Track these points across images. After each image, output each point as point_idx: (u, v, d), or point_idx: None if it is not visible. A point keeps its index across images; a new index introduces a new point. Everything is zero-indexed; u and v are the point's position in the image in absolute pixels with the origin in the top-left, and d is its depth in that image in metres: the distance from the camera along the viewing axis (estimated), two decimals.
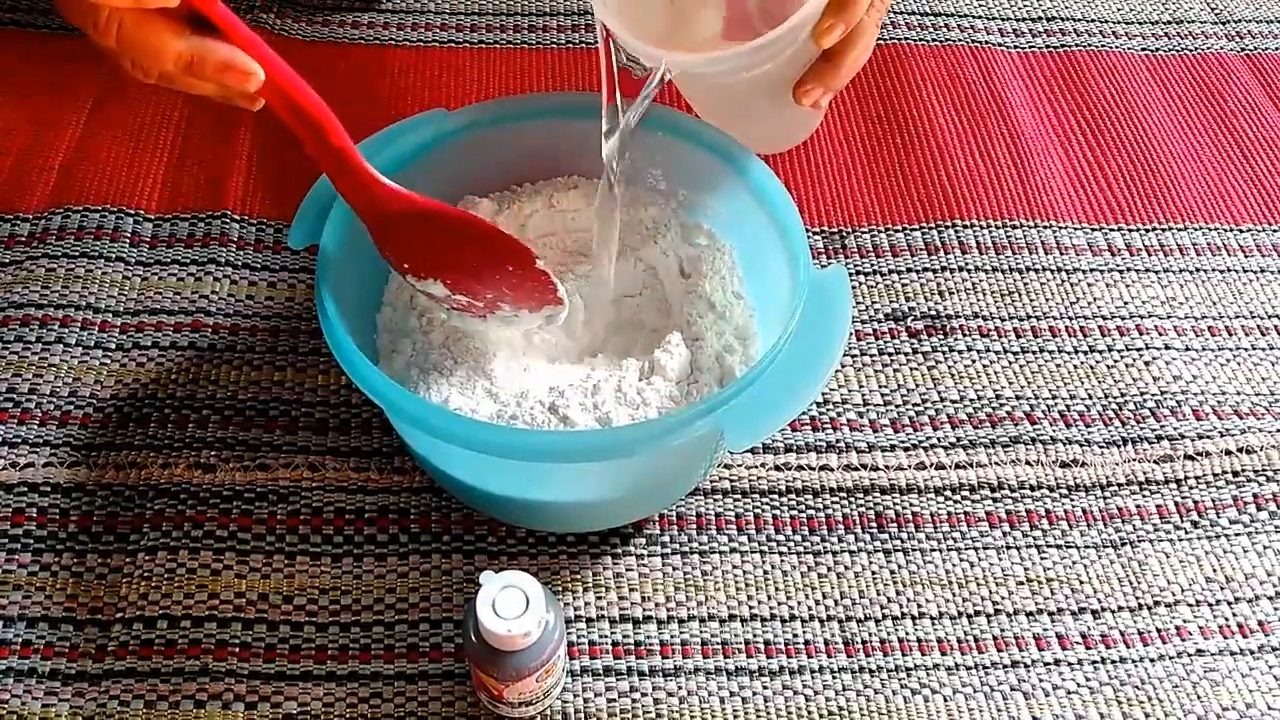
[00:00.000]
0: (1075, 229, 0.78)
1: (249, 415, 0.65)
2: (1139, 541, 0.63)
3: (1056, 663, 0.58)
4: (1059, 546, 0.62)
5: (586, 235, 0.66)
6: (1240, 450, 0.67)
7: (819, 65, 0.58)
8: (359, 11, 0.88)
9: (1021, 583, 0.61)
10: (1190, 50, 0.91)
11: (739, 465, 0.65)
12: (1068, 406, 0.68)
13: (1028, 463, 0.66)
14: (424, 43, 0.87)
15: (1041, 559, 0.62)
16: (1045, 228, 0.77)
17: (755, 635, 0.58)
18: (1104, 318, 0.73)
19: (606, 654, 0.58)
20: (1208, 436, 0.67)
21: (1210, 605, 0.61)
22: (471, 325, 0.60)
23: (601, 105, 0.58)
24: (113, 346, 0.68)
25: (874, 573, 0.61)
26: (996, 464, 0.65)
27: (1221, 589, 0.61)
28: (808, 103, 0.59)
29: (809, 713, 0.56)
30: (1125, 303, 0.74)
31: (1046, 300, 0.74)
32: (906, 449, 0.66)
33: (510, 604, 0.49)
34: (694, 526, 0.62)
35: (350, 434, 0.65)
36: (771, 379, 0.51)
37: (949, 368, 0.70)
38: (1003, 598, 0.60)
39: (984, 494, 0.64)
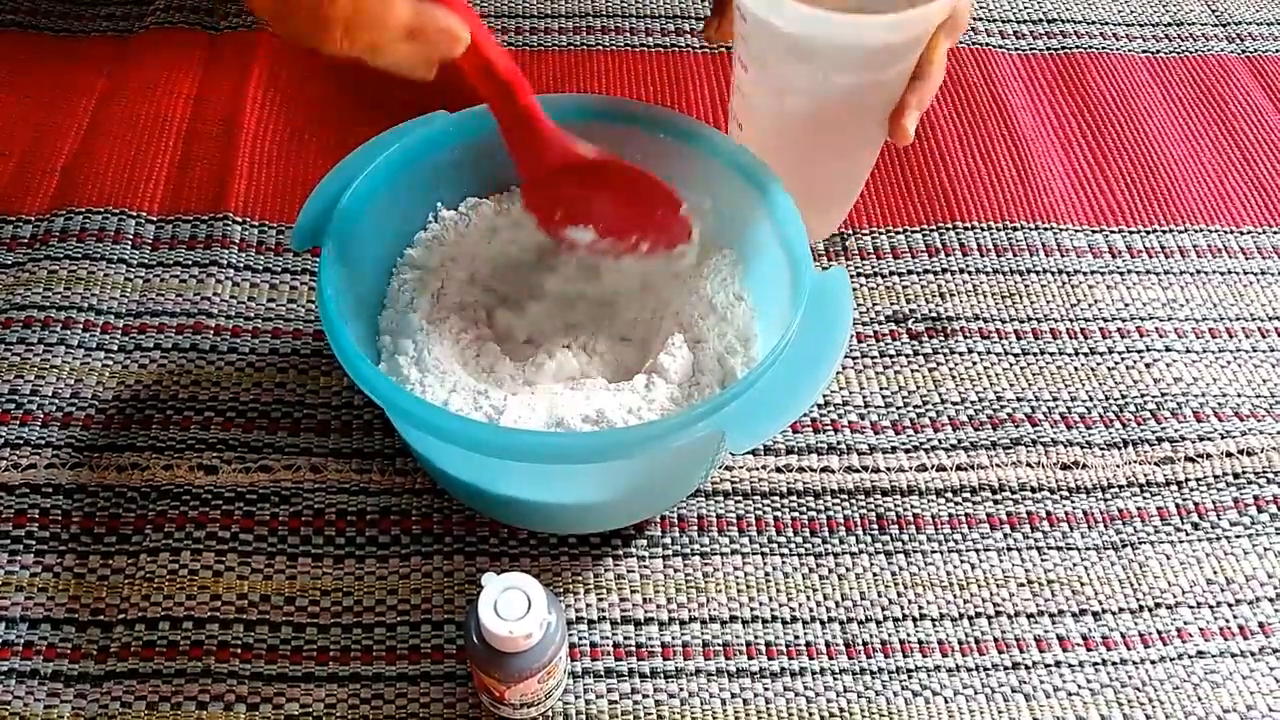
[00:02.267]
0: (1076, 231, 0.78)
1: (251, 417, 0.65)
2: (1140, 543, 0.63)
3: (1057, 664, 0.58)
4: (1060, 548, 0.62)
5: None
6: (1241, 452, 0.67)
7: (914, 85, 0.61)
8: None
9: (1022, 584, 0.61)
10: (1191, 52, 0.91)
11: (740, 467, 0.65)
12: (1068, 408, 0.68)
13: (1029, 464, 0.66)
14: None
15: (1042, 561, 0.62)
16: (1046, 230, 0.77)
17: (756, 637, 0.59)
18: (1105, 319, 0.73)
19: (608, 655, 0.58)
20: (1208, 438, 0.67)
21: (1211, 607, 0.61)
22: (603, 264, 0.63)
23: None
24: (115, 348, 0.68)
25: (875, 574, 0.61)
26: (997, 466, 0.65)
27: (1222, 591, 0.61)
28: (909, 124, 0.62)
29: (810, 714, 0.56)
30: (1126, 304, 0.74)
31: (1047, 302, 0.74)
32: (907, 451, 0.66)
33: (512, 605, 0.49)
34: (695, 528, 0.62)
35: (352, 436, 0.65)
36: (773, 381, 0.51)
37: (950, 369, 0.70)
38: (1003, 599, 0.60)
39: (985, 496, 0.64)
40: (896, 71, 0.60)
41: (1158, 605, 0.61)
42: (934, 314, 0.73)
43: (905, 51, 0.59)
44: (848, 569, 0.61)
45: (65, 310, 0.69)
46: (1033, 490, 0.65)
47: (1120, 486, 0.65)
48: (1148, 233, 0.78)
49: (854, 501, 0.64)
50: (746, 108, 0.66)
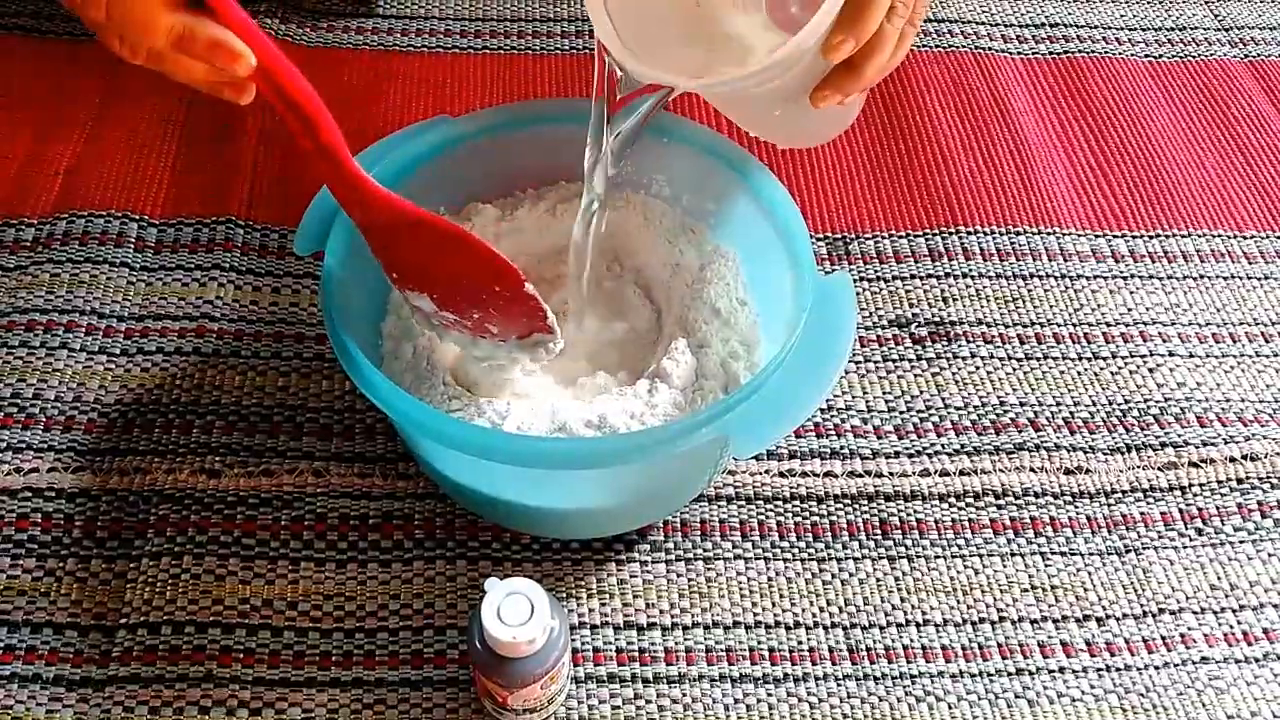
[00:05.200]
0: (1079, 235, 0.78)
1: (253, 421, 0.65)
2: (1143, 549, 0.63)
3: (1061, 670, 0.58)
4: (1063, 553, 0.62)
5: None
6: (1244, 457, 0.67)
7: (837, 72, 0.55)
8: (353, 17, 0.88)
9: (1026, 590, 0.61)
10: (1193, 57, 0.91)
11: (743, 471, 0.65)
12: (1071, 413, 0.68)
13: (1032, 469, 0.66)
14: (428, 49, 0.87)
15: (1045, 566, 0.62)
16: (1049, 234, 0.77)
17: (759, 642, 0.58)
18: (1108, 324, 0.73)
19: (611, 661, 0.58)
20: (1212, 443, 0.67)
21: (1215, 613, 0.61)
22: (461, 343, 0.58)
23: (590, 116, 0.56)
24: (117, 352, 0.68)
25: (878, 579, 0.61)
26: (1000, 471, 0.65)
27: (1226, 596, 0.61)
28: (823, 106, 0.57)
29: None
30: (1129, 309, 0.74)
31: (1050, 307, 0.74)
32: (911, 455, 0.66)
33: (515, 611, 0.49)
34: (698, 533, 0.62)
35: (354, 440, 0.65)
36: (776, 386, 0.51)
37: (953, 374, 0.70)
38: (1007, 605, 0.60)
39: (988, 501, 0.64)
40: (779, 84, 0.54)
41: (1161, 611, 0.60)
42: (937, 318, 0.72)
43: (766, 78, 0.53)
44: (851, 574, 0.61)
45: (68, 314, 0.69)
46: (1036, 495, 0.64)
47: (1123, 492, 0.65)
48: (1150, 237, 0.78)
49: (857, 506, 0.64)
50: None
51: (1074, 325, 0.73)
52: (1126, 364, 0.71)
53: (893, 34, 0.54)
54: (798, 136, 0.69)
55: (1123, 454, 0.66)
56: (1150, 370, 0.70)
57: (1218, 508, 0.65)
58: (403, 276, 0.55)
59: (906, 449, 0.66)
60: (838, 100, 0.56)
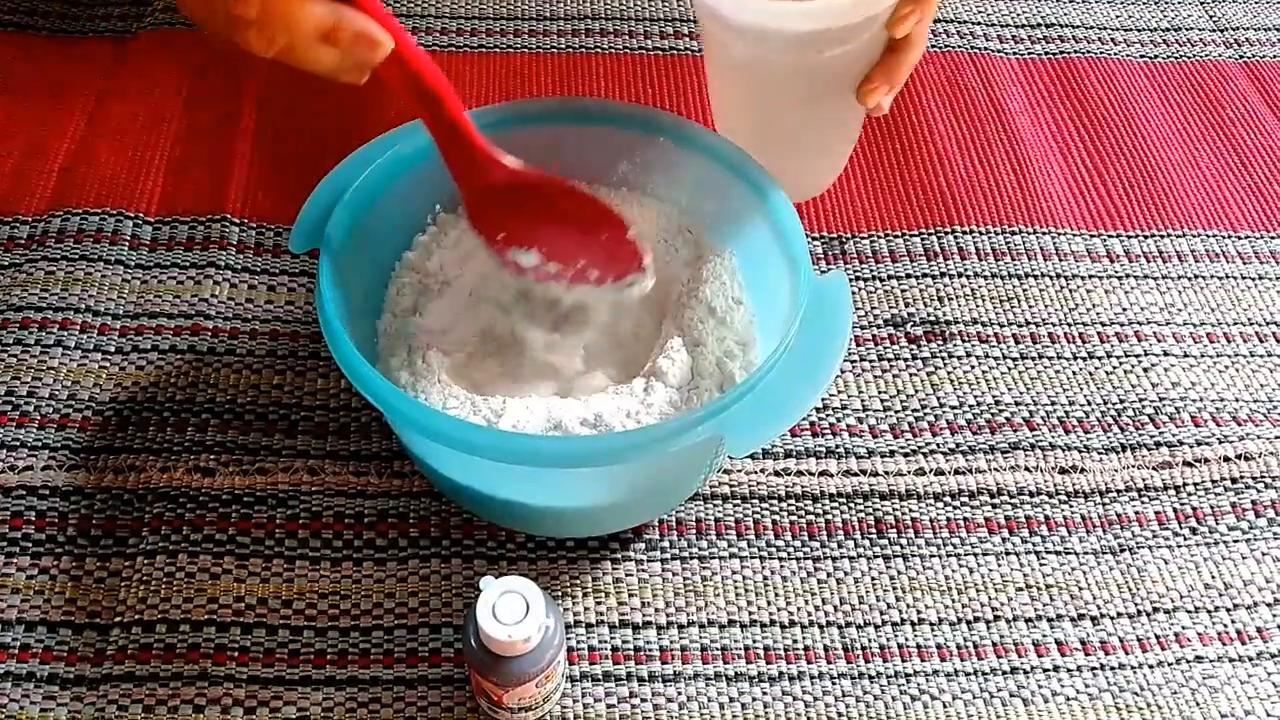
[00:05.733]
0: (1074, 235, 0.78)
1: (248, 419, 0.65)
2: (1138, 548, 0.63)
3: (1055, 669, 0.58)
4: (1058, 553, 0.62)
5: None
6: (1239, 457, 0.67)
7: (886, 59, 0.59)
8: None
9: (1020, 589, 0.61)
10: (1189, 57, 0.91)
11: (739, 470, 0.65)
12: (1066, 413, 0.68)
13: (1027, 469, 0.66)
14: (424, 46, 0.87)
15: (1040, 565, 0.62)
16: (1044, 234, 0.78)
17: (755, 641, 0.58)
18: (1103, 324, 0.73)
19: (606, 659, 0.58)
20: (1206, 443, 0.67)
21: (1209, 612, 0.61)
22: (553, 291, 0.61)
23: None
24: (112, 349, 0.68)
25: (873, 578, 0.61)
26: (996, 470, 0.65)
27: (1220, 595, 0.61)
28: (871, 102, 0.60)
29: (808, 718, 0.56)
30: (1124, 309, 0.74)
31: (1045, 306, 0.74)
32: (906, 455, 0.66)
33: (510, 609, 0.49)
34: (694, 532, 0.62)
35: (349, 438, 0.65)
36: (772, 385, 0.51)
37: (948, 373, 0.70)
38: (1002, 604, 0.60)
39: (983, 500, 0.64)
40: (844, 51, 0.58)
41: (1156, 610, 0.61)
42: (932, 318, 0.73)
43: (846, 35, 0.57)
44: (846, 573, 0.61)
45: (62, 311, 0.69)
46: (1031, 494, 0.65)
47: (1118, 491, 0.65)
48: (1145, 237, 0.78)
49: (852, 505, 0.64)
50: (720, 86, 0.66)
51: (1069, 325, 0.73)
52: (1121, 364, 0.71)
53: (926, 27, 0.57)
54: (803, 174, 0.70)
55: (1117, 453, 0.67)
56: (1145, 370, 0.71)
57: (1212, 507, 0.65)
58: (513, 235, 0.59)
59: (901, 448, 0.66)
60: (884, 92, 0.59)
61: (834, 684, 0.57)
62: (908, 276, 0.75)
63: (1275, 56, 0.92)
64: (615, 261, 0.59)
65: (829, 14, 0.55)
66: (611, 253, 0.59)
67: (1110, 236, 0.78)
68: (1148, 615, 0.60)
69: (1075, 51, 0.91)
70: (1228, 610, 0.61)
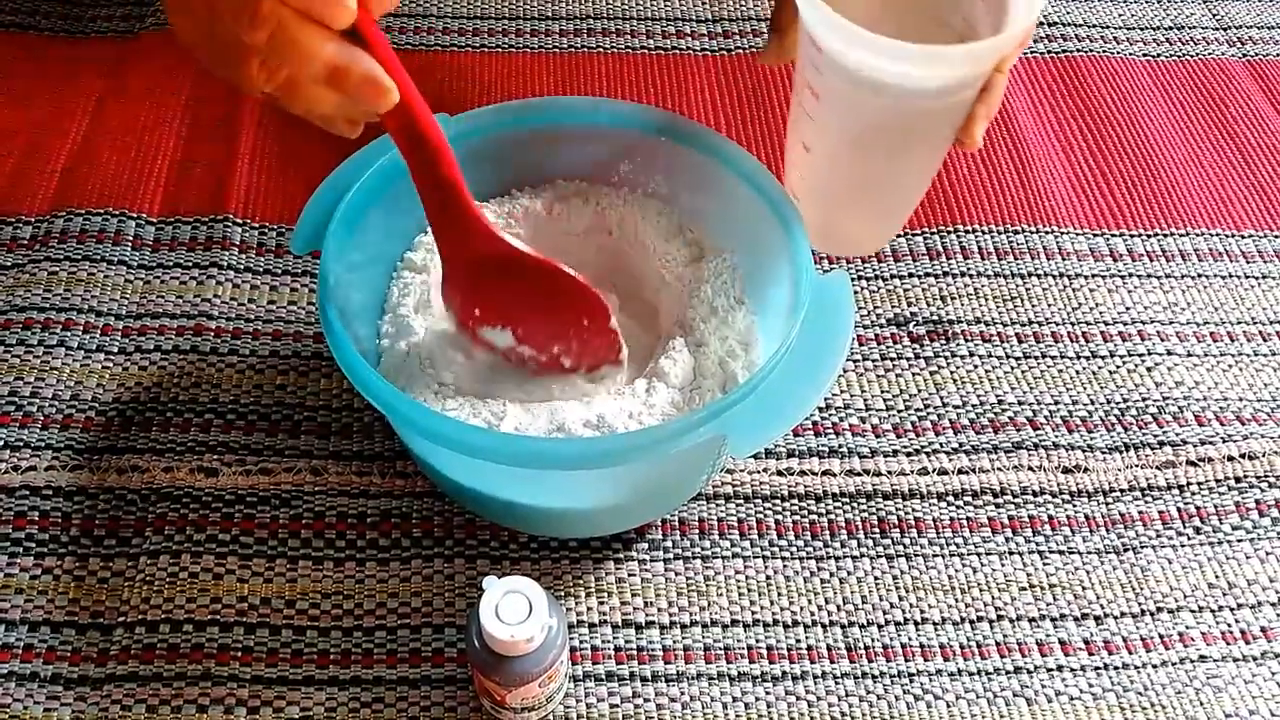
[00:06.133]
0: (1077, 234, 0.78)
1: (251, 419, 0.65)
2: (1141, 547, 0.63)
3: (1059, 669, 0.58)
4: (1061, 552, 0.62)
5: (583, 239, 0.66)
6: (1242, 456, 0.67)
7: (984, 95, 0.56)
8: None
9: (1024, 588, 0.61)
10: (1192, 56, 0.91)
11: (741, 470, 0.65)
12: (1070, 412, 0.68)
13: (1030, 468, 0.66)
14: (426, 46, 0.87)
15: (1044, 564, 0.62)
16: (1047, 233, 0.77)
17: (758, 640, 0.58)
18: (1106, 323, 0.73)
19: (609, 659, 0.58)
20: (1210, 442, 0.67)
21: (1213, 611, 0.61)
22: (504, 386, 0.59)
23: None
24: (115, 350, 0.68)
25: (876, 578, 0.61)
26: (999, 469, 0.65)
27: (1224, 595, 0.61)
28: (979, 132, 0.57)
29: (811, 718, 0.56)
30: (1127, 308, 0.74)
31: (1048, 306, 0.74)
32: (909, 454, 0.66)
33: (513, 609, 0.49)
34: (696, 531, 0.62)
35: (352, 438, 0.65)
36: (774, 384, 0.51)
37: (951, 373, 0.70)
38: (1005, 603, 0.60)
39: (986, 499, 0.64)
40: (970, 93, 0.57)
41: (1159, 609, 0.60)
42: (935, 317, 0.73)
43: (979, 78, 0.56)
44: (849, 573, 0.61)
45: (65, 312, 0.69)
46: (1034, 494, 0.65)
47: (1121, 490, 0.65)
48: (1148, 236, 0.78)
49: (855, 505, 0.64)
50: (815, 132, 0.61)
51: (1072, 324, 0.73)
52: (1125, 363, 0.71)
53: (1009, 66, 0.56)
54: (862, 230, 0.68)
55: (1121, 453, 0.67)
56: (1148, 369, 0.70)
57: (1216, 506, 0.65)
58: (488, 312, 0.57)
59: (905, 448, 0.66)
60: (987, 124, 0.57)
61: (837, 684, 0.57)
62: (910, 276, 0.75)
63: (1278, 55, 0.92)
64: (591, 350, 0.57)
65: (973, 59, 0.53)
66: (589, 341, 0.57)
67: (1113, 235, 0.78)
68: (1151, 615, 0.60)
69: (1078, 50, 0.91)
70: (1231, 610, 0.61)
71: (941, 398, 0.69)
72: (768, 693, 0.57)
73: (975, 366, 0.70)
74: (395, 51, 0.46)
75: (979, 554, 0.62)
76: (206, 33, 0.44)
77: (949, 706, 0.57)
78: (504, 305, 0.57)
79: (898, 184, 0.65)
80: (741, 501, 0.63)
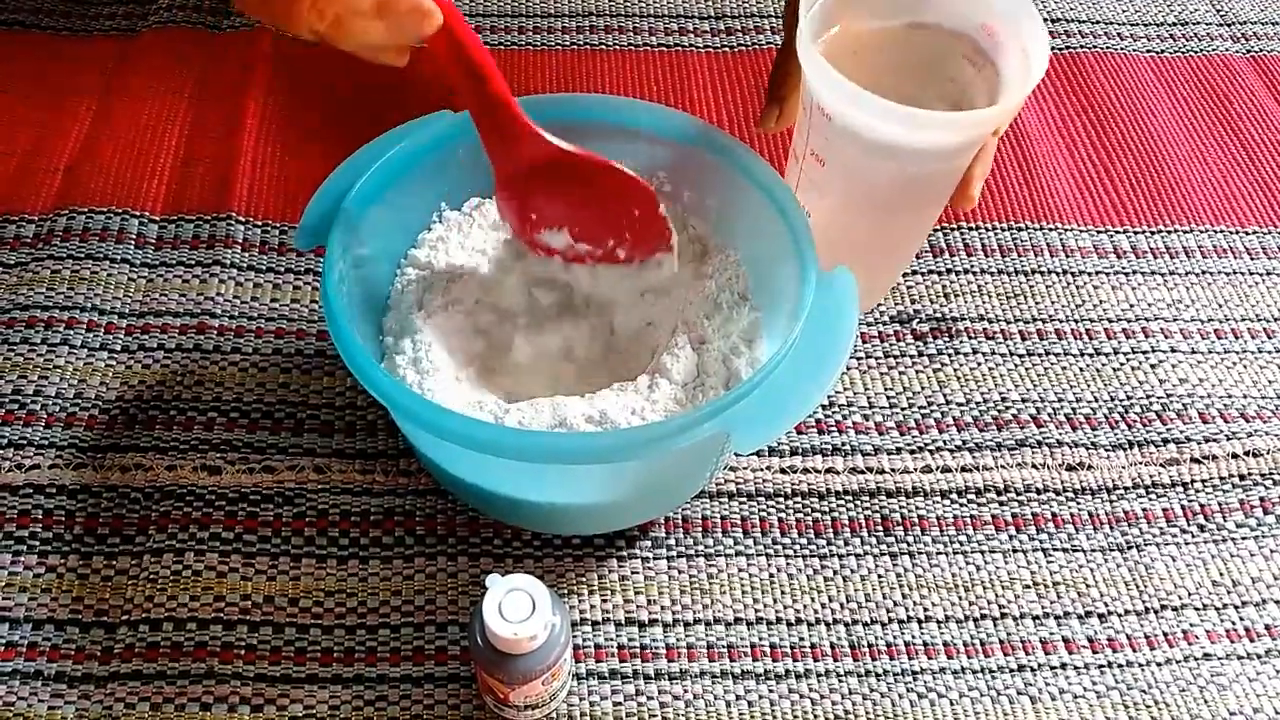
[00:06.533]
0: (1081, 231, 0.78)
1: (254, 417, 0.65)
2: (1145, 545, 0.63)
3: (1063, 666, 0.58)
4: (1065, 550, 0.62)
5: None
6: (1247, 453, 0.67)
7: (981, 156, 0.60)
8: None
9: (1028, 586, 0.61)
10: (1196, 52, 0.91)
11: (745, 468, 0.64)
12: (1074, 409, 0.68)
13: (1034, 466, 0.65)
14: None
15: (1048, 562, 0.62)
16: (1051, 230, 0.77)
17: (761, 638, 0.58)
18: (1110, 320, 0.73)
19: (612, 657, 0.58)
20: (1214, 440, 0.67)
21: (1217, 609, 0.60)
22: (572, 276, 0.62)
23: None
24: (118, 348, 0.68)
25: (880, 576, 0.61)
26: (1002, 467, 0.65)
27: (1228, 593, 0.61)
28: (975, 192, 0.60)
29: (815, 716, 0.56)
30: (1131, 305, 0.74)
31: (1052, 303, 0.74)
32: (912, 452, 0.66)
33: (516, 607, 0.49)
34: (699, 529, 0.62)
35: (356, 436, 0.65)
36: (778, 382, 0.51)
37: (955, 370, 0.70)
38: (1009, 601, 0.60)
39: (990, 497, 0.64)
40: (971, 155, 0.59)
41: (1163, 607, 0.60)
42: (939, 314, 0.72)
43: (984, 138, 0.58)
44: (852, 570, 0.61)
45: (68, 310, 0.69)
46: (1038, 491, 0.64)
47: (1126, 488, 0.65)
48: (1153, 233, 0.78)
49: (859, 503, 0.63)
50: (818, 197, 0.63)
51: (1076, 321, 0.73)
52: (1128, 360, 0.71)
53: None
54: (880, 283, 0.71)
55: (1125, 450, 0.66)
56: (1152, 366, 0.70)
57: (1220, 504, 0.65)
58: (544, 216, 0.60)
59: (908, 445, 0.66)
60: (982, 183, 0.60)
61: (841, 681, 0.57)
62: (914, 273, 0.74)
63: None
64: (645, 239, 0.59)
65: (983, 121, 0.55)
66: (642, 230, 0.59)
67: (1117, 232, 0.78)
68: (1155, 612, 0.60)
69: (1082, 47, 0.91)
70: (1236, 607, 0.61)
71: (945, 395, 0.68)
72: (771, 690, 0.57)
73: (979, 364, 0.70)
74: None
75: (982, 552, 0.62)
76: None
77: (952, 705, 0.57)
78: (558, 207, 0.59)
79: (901, 242, 0.66)
80: (745, 499, 0.63)
